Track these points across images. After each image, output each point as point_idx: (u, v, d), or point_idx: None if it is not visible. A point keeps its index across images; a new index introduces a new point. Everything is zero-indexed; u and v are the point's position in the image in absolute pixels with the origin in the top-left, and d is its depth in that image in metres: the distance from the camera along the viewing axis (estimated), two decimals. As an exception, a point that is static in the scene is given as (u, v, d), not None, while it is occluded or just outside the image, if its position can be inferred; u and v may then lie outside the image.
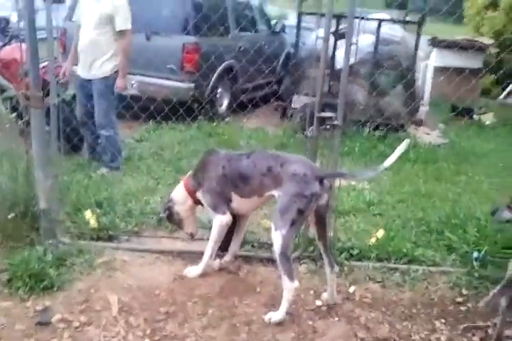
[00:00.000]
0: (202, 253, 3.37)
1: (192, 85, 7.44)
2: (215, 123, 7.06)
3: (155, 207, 4.22)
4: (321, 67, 3.44)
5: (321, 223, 2.92)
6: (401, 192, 4.94)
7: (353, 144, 6.44)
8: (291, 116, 7.60)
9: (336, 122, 3.27)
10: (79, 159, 5.42)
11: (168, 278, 3.21)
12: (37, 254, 3.22)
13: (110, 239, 3.66)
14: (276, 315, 2.79)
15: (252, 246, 3.60)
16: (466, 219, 3.85)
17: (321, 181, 2.81)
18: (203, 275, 3.23)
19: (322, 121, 3.36)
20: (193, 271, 3.23)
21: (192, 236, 3.42)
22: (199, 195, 3.21)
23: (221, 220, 3.13)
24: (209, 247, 3.20)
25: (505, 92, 10.43)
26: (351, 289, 3.15)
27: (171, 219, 3.37)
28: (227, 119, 7.86)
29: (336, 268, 2.98)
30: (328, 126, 3.30)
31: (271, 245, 3.51)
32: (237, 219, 3.21)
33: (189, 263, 3.39)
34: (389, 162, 2.78)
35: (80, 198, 4.12)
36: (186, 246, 3.47)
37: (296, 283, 2.77)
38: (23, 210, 3.49)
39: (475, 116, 8.57)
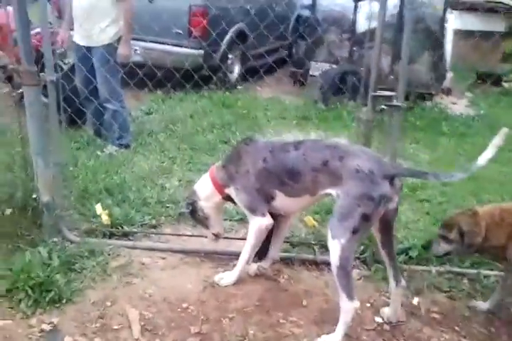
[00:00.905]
0: (233, 255, 2.84)
1: (201, 51, 6.73)
2: (228, 93, 6.39)
3: (173, 193, 3.66)
4: (377, 39, 2.74)
5: (386, 229, 2.35)
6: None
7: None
8: (309, 84, 6.92)
9: (396, 102, 2.67)
10: (82, 135, 4.77)
11: (197, 286, 2.67)
12: (40, 257, 2.67)
13: (125, 235, 3.10)
14: (331, 339, 2.26)
15: (292, 245, 3.04)
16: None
17: (391, 180, 2.23)
18: (238, 282, 2.69)
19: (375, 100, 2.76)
20: (226, 277, 2.68)
21: (218, 237, 2.86)
22: (231, 191, 2.62)
23: (260, 224, 2.56)
24: (245, 252, 2.65)
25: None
26: (415, 301, 2.63)
27: (195, 216, 2.79)
28: (239, 87, 7.20)
29: (403, 283, 2.44)
30: (385, 107, 2.71)
31: (314, 244, 3.01)
32: (277, 218, 2.64)
33: (219, 266, 2.85)
34: (484, 159, 2.17)
35: (87, 184, 3.55)
36: (216, 245, 2.90)
37: (356, 303, 2.23)
38: (21, 204, 2.93)
39: (504, 84, 7.89)
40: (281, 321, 2.44)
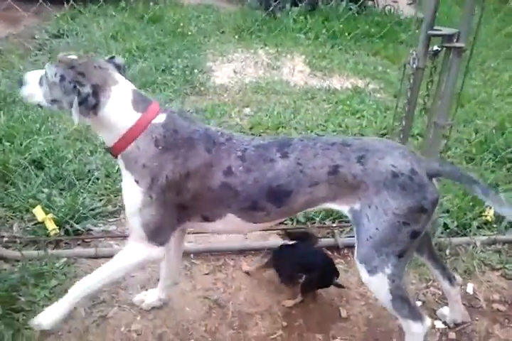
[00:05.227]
0: (228, 251, 2.04)
1: None
2: (151, 3, 4.97)
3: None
4: None
5: None
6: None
7: (332, 24, 4.80)
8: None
9: (457, 43, 1.78)
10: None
11: (198, 307, 1.86)
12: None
13: (77, 238, 2.13)
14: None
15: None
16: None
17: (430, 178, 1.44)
18: (250, 293, 1.90)
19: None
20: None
21: None
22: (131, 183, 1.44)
23: (148, 255, 1.50)
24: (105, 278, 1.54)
25: None
26: (469, 288, 1.99)
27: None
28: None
29: (458, 279, 1.78)
30: (439, 49, 1.83)
31: (334, 227, 2.25)
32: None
33: (216, 269, 2.02)
34: None
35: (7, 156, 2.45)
36: (206, 239, 2.05)
37: (428, 322, 1.55)
38: None
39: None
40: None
